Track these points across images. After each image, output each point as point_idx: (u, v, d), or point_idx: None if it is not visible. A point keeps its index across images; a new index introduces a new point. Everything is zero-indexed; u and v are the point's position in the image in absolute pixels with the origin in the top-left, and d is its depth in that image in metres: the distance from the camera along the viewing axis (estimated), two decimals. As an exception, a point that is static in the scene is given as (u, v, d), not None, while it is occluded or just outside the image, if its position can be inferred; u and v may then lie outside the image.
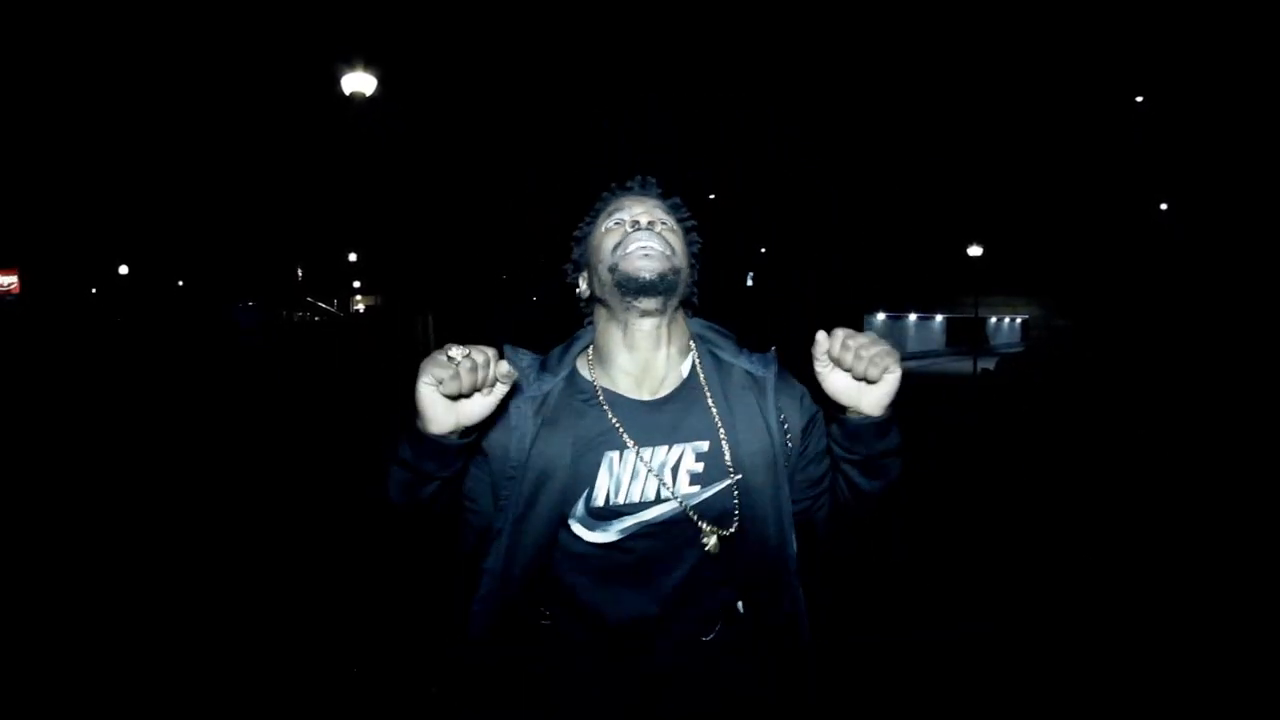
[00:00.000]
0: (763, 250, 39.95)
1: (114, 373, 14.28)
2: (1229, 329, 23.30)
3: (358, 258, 44.55)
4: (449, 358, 1.12)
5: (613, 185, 1.49)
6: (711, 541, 1.29)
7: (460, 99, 29.09)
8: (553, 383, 1.34)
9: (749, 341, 1.48)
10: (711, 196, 37.92)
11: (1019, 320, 53.49)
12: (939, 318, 48.81)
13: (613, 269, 1.33)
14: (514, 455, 1.29)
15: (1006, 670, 3.29)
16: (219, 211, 36.81)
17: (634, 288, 1.30)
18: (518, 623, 1.35)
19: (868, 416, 1.28)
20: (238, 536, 4.84)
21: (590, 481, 1.29)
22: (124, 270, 37.76)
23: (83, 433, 8.47)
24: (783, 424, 1.36)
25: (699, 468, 1.30)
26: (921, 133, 37.52)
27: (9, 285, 28.01)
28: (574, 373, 1.37)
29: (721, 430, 1.32)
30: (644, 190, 1.47)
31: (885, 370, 1.25)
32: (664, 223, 1.41)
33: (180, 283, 41.52)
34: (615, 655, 1.34)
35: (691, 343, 1.43)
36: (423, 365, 1.13)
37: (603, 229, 1.40)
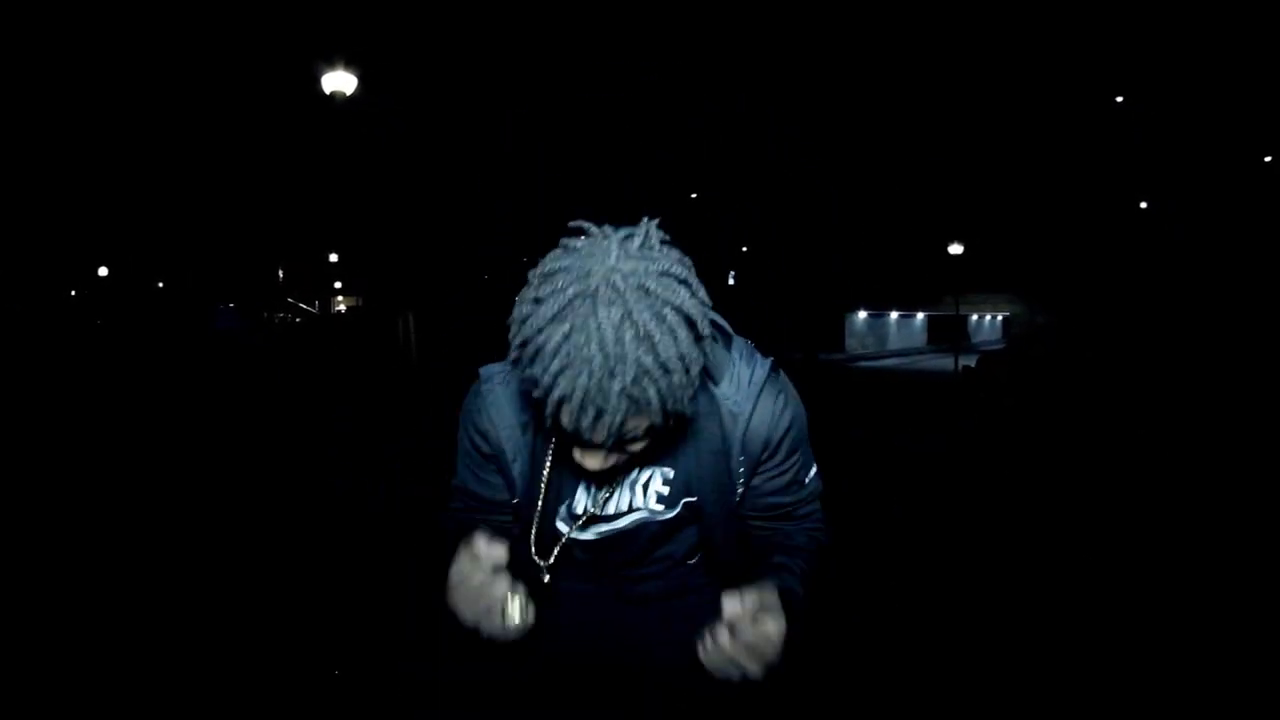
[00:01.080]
0: (744, 249, 40.07)
1: (95, 375, 14.15)
2: (1212, 324, 23.56)
3: (339, 258, 44.39)
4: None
5: (549, 400, 1.00)
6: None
7: (441, 97, 29.02)
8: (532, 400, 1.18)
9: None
10: (694, 195, 38.00)
11: (1000, 317, 53.86)
12: (920, 315, 49.10)
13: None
14: (518, 479, 1.35)
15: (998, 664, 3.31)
16: (200, 212, 36.61)
17: None
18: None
19: None
20: (220, 537, 4.81)
21: (572, 493, 1.36)
22: (103, 272, 37.52)
23: (65, 435, 8.40)
24: (740, 459, 1.32)
25: (665, 490, 1.35)
26: (903, 131, 37.72)
27: (-15, 288, 27.76)
28: None
29: (685, 459, 1.33)
30: (599, 428, 1.01)
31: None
32: (627, 442, 1.08)
33: (160, 284, 41.28)
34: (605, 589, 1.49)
35: None
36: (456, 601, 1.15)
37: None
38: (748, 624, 1.09)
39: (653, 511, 1.36)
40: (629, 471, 1.34)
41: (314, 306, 46.23)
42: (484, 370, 1.36)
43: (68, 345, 19.26)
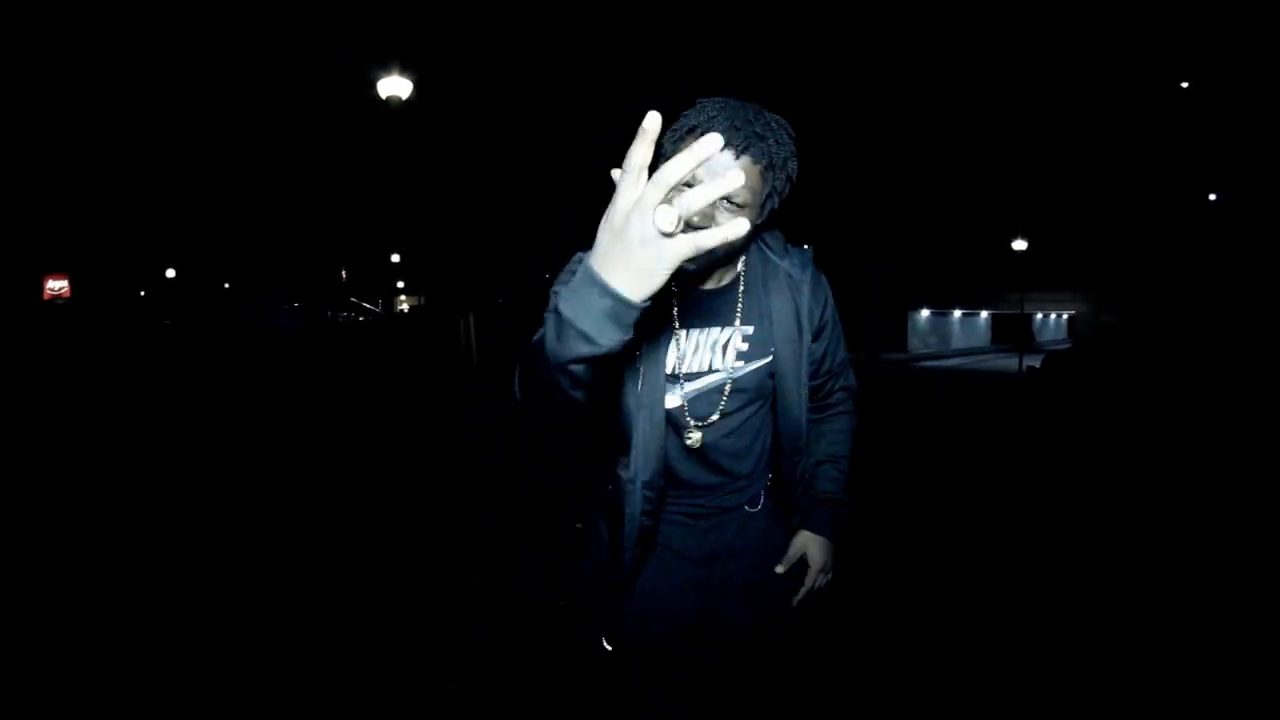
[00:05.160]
0: (805, 247, 39.73)
1: (163, 373, 14.51)
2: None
3: (401, 258, 45.02)
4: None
5: (697, 125, 1.37)
6: (693, 438, 1.56)
7: (499, 101, 29.25)
8: None
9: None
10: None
11: (1065, 316, 52.73)
12: (984, 314, 48.27)
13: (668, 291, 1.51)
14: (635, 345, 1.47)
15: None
16: (264, 214, 37.39)
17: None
18: (650, 531, 1.57)
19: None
20: (278, 533, 4.84)
21: (664, 354, 1.53)
22: (171, 273, 38.52)
23: (131, 432, 8.58)
24: (810, 316, 1.60)
25: (744, 347, 1.57)
26: (964, 125, 37.08)
27: (60, 289, 28.57)
28: None
29: (764, 318, 1.57)
30: (743, 145, 1.34)
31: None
32: (736, 200, 1.36)
33: (226, 285, 42.26)
34: (697, 546, 1.66)
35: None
36: (649, 199, 0.91)
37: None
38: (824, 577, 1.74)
39: (733, 369, 1.56)
40: (705, 331, 1.55)
41: (377, 306, 46.98)
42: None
43: (138, 343, 19.78)
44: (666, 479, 1.56)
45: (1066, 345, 36.43)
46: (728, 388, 1.56)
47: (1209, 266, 31.47)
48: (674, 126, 1.40)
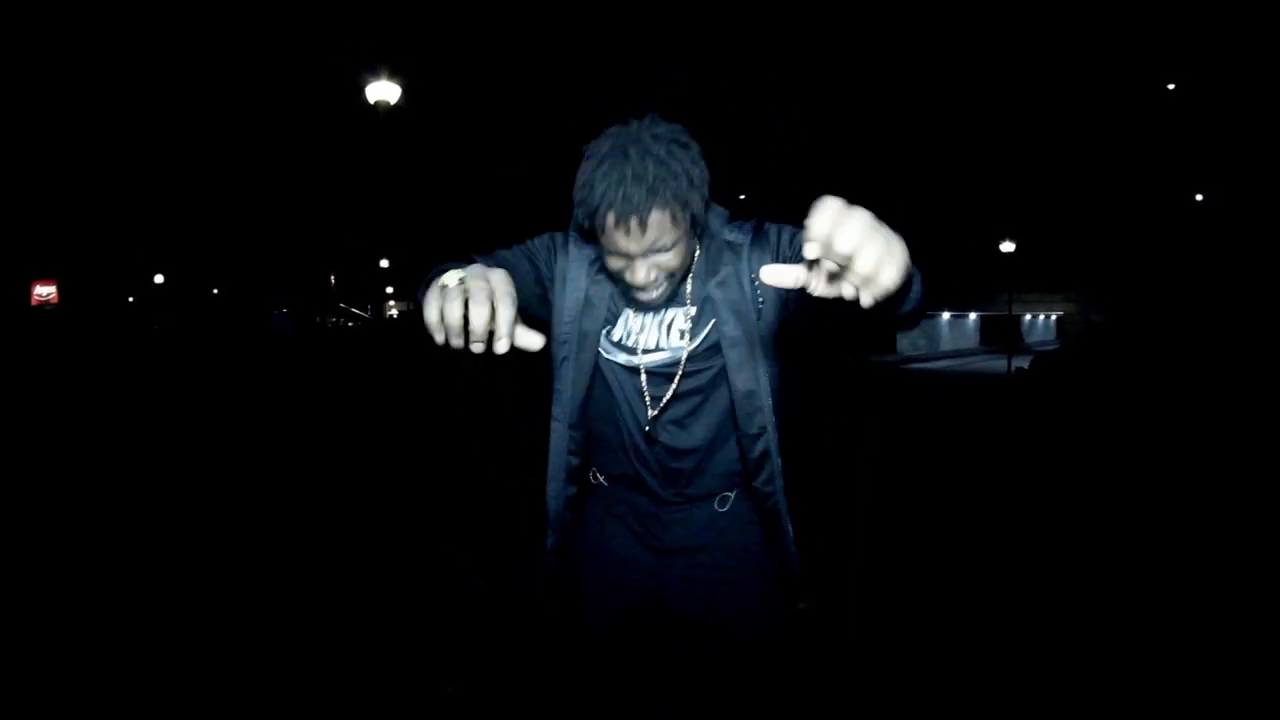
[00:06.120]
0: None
1: (152, 378, 14.46)
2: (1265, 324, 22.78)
3: (390, 264, 44.92)
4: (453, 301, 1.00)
5: (599, 213, 1.39)
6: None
7: (487, 106, 29.23)
8: (596, 251, 1.59)
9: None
10: (742, 197, 37.87)
11: (1054, 317, 52.90)
12: (973, 316, 48.37)
13: (623, 293, 1.57)
14: (569, 310, 1.62)
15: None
16: (253, 220, 37.27)
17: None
18: (581, 477, 1.74)
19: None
20: (276, 535, 4.86)
21: (612, 322, 1.63)
22: (159, 279, 38.37)
23: (125, 436, 8.56)
24: (754, 282, 1.57)
25: (688, 325, 1.60)
26: (952, 127, 37.20)
27: (48, 295, 28.44)
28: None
29: (710, 295, 1.58)
30: (643, 206, 1.36)
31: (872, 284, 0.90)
32: (661, 245, 1.42)
33: (215, 290, 42.11)
34: (642, 510, 1.72)
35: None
36: (428, 304, 1.02)
37: (604, 243, 1.45)
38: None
39: (675, 348, 1.60)
40: (657, 311, 1.61)
41: (367, 311, 46.89)
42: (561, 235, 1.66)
43: (128, 348, 19.69)
44: (593, 431, 1.71)
45: (1055, 346, 36.58)
46: (681, 364, 1.59)
47: (1196, 267, 31.62)
48: (577, 195, 1.42)
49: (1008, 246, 30.71)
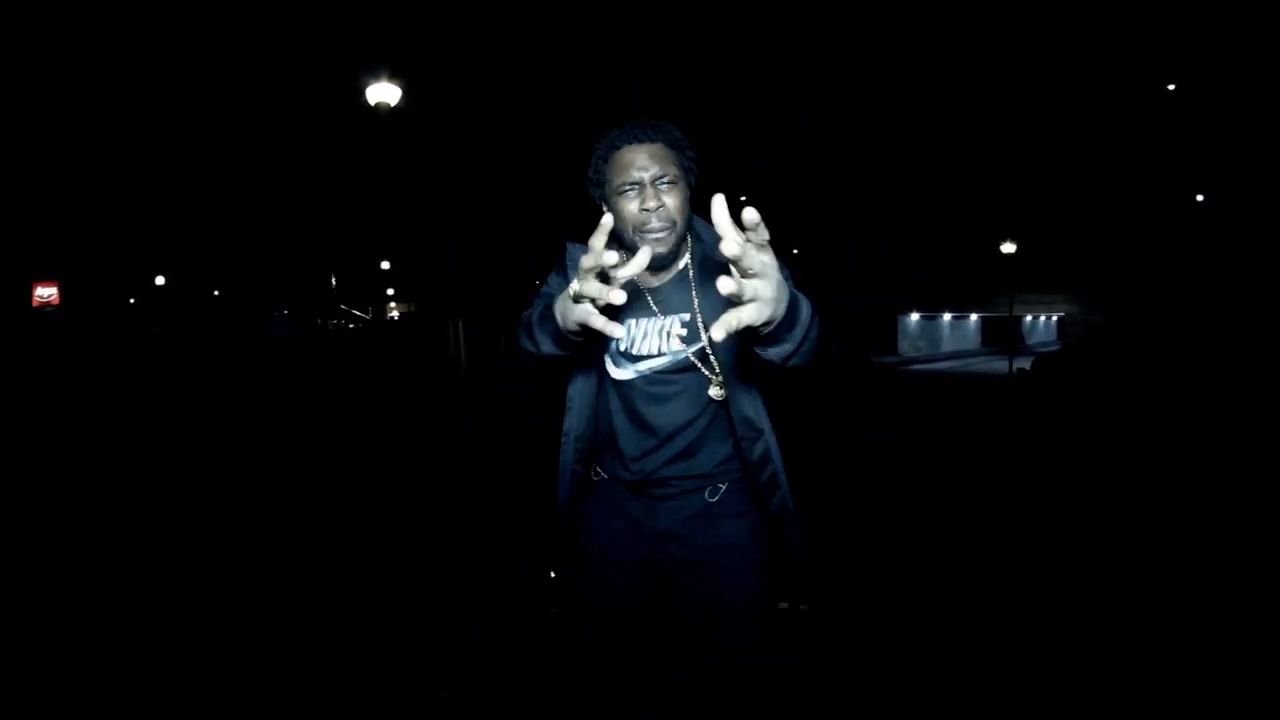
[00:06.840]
0: (795, 251, 39.84)
1: (154, 380, 14.45)
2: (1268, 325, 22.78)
3: (391, 266, 44.92)
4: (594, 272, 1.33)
5: (614, 131, 1.75)
6: (715, 391, 1.75)
7: (487, 107, 29.22)
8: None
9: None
10: (743, 198, 37.82)
11: (1055, 319, 52.86)
12: (974, 317, 48.34)
13: (632, 245, 1.70)
14: None
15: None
16: (254, 222, 37.28)
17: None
18: (582, 477, 1.88)
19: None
20: (276, 536, 4.85)
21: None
22: (161, 281, 38.38)
23: (126, 437, 8.56)
24: None
25: (684, 332, 1.77)
26: (953, 128, 37.17)
27: (49, 297, 28.41)
28: None
29: (696, 304, 1.77)
30: (649, 136, 1.73)
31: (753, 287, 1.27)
32: (665, 178, 1.70)
33: (216, 292, 42.12)
34: (638, 501, 1.85)
35: (689, 237, 1.84)
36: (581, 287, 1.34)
37: (617, 185, 1.72)
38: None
39: (675, 352, 1.76)
40: (654, 320, 1.78)
41: (368, 313, 46.89)
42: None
43: (130, 350, 19.69)
44: (599, 439, 1.86)
45: (1056, 347, 36.52)
46: (680, 367, 1.76)
47: (1197, 267, 31.57)
48: (594, 153, 1.78)
49: (1009, 247, 30.67)
